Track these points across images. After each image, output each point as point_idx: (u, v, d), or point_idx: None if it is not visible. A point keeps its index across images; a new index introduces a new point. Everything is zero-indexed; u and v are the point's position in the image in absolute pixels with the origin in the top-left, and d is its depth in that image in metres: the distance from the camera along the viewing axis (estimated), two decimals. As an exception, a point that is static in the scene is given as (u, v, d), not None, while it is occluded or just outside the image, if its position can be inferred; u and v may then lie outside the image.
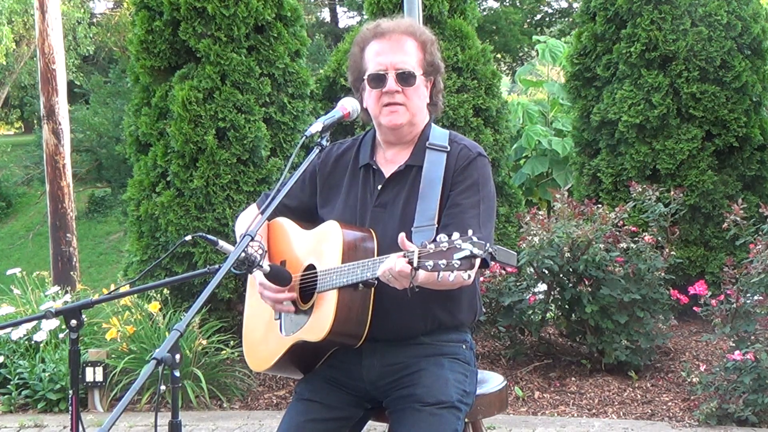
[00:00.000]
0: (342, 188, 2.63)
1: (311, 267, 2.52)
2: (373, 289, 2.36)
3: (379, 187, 2.56)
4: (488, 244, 2.05)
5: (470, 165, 2.52)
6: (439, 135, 2.60)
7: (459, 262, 2.03)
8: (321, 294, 2.44)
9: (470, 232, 2.09)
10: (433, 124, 2.65)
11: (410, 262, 2.13)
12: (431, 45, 2.60)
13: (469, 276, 2.06)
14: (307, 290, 2.52)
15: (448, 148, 2.55)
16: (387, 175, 2.57)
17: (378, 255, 2.43)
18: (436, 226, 2.39)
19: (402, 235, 2.18)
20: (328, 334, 2.38)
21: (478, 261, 2.07)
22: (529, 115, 9.24)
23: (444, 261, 2.05)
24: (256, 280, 2.58)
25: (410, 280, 2.14)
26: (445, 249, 2.06)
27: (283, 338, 2.57)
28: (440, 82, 2.64)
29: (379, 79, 2.52)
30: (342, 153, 2.68)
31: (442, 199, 2.46)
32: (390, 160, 2.60)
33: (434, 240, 2.11)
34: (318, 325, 2.42)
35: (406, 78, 2.51)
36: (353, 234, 2.45)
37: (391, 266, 2.18)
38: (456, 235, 2.09)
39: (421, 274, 2.14)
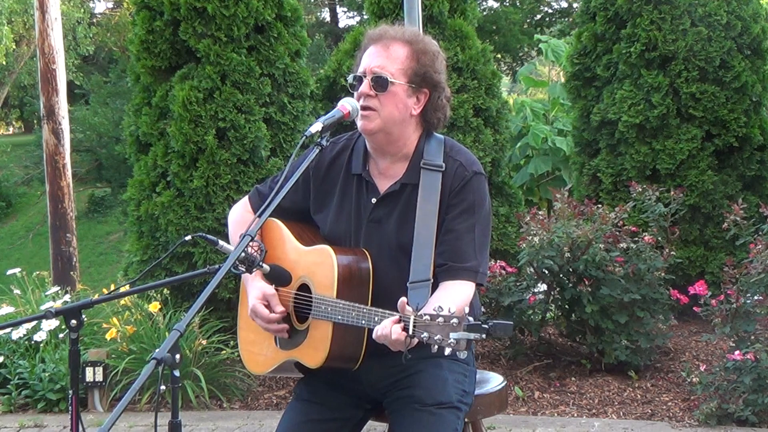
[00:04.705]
0: (335, 195, 2.61)
1: (305, 287, 2.51)
2: None
3: (373, 200, 2.54)
4: (485, 325, 2.04)
5: (466, 187, 2.49)
6: (434, 149, 2.53)
7: (455, 342, 2.04)
8: (316, 319, 2.44)
9: (467, 309, 2.09)
10: (434, 134, 2.59)
11: (405, 329, 2.13)
12: (428, 57, 2.51)
13: (465, 355, 2.07)
14: (301, 310, 2.51)
15: (443, 166, 2.50)
16: (381, 189, 2.54)
17: (373, 274, 2.44)
18: (431, 281, 2.39)
19: (402, 300, 2.17)
20: (324, 363, 2.41)
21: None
22: (534, 114, 9.25)
23: (439, 337, 2.06)
24: (249, 292, 2.57)
25: (405, 346, 2.14)
26: (441, 324, 2.06)
27: (278, 350, 2.57)
28: (439, 99, 2.53)
29: (356, 83, 2.50)
30: (336, 156, 2.64)
31: (438, 228, 2.46)
32: (383, 173, 2.57)
33: (431, 309, 2.10)
34: (313, 353, 2.44)
35: (379, 83, 2.46)
36: (347, 260, 2.44)
37: (387, 333, 2.17)
38: (452, 308, 2.08)
39: (416, 342, 2.14)
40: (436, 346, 2.06)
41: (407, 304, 2.16)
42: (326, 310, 2.39)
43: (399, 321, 2.16)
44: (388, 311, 2.23)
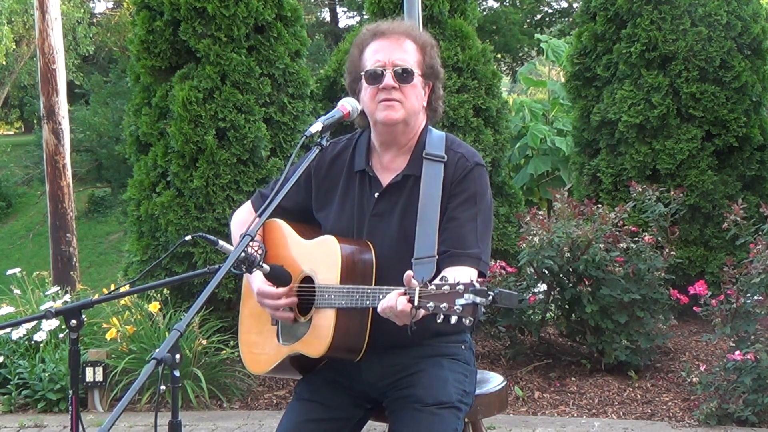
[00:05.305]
0: (337, 192, 2.62)
1: (308, 279, 2.51)
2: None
3: (376, 194, 2.55)
4: (490, 291, 2.03)
5: (468, 176, 2.51)
6: (436, 142, 2.57)
7: (461, 308, 2.02)
8: (319, 309, 2.44)
9: (472, 278, 2.08)
10: (431, 128, 2.63)
11: (411, 301, 2.12)
12: (431, 49, 2.58)
13: (470, 321, 2.04)
14: (305, 302, 2.51)
15: (445, 157, 2.53)
16: (384, 183, 2.56)
17: (376, 266, 2.43)
18: (436, 257, 2.39)
19: (408, 273, 2.16)
20: (327, 351, 2.40)
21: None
22: (533, 114, 9.25)
23: (445, 305, 2.04)
24: (253, 282, 2.57)
25: (410, 318, 2.13)
26: (446, 292, 2.05)
27: (280, 346, 2.57)
28: (440, 89, 2.62)
29: (376, 76, 2.50)
30: (337, 154, 2.66)
31: (441, 216, 2.46)
32: (386, 167, 2.58)
33: (436, 280, 2.10)
34: (316, 342, 2.43)
35: (403, 75, 2.49)
36: (351, 249, 2.44)
37: (392, 305, 2.17)
38: (457, 278, 2.07)
39: (421, 314, 2.13)
40: (442, 316, 2.05)
41: (413, 278, 2.15)
42: (329, 298, 2.39)
43: (404, 293, 2.16)
44: (393, 287, 2.22)
